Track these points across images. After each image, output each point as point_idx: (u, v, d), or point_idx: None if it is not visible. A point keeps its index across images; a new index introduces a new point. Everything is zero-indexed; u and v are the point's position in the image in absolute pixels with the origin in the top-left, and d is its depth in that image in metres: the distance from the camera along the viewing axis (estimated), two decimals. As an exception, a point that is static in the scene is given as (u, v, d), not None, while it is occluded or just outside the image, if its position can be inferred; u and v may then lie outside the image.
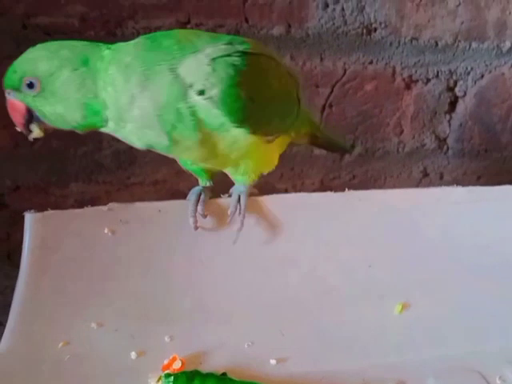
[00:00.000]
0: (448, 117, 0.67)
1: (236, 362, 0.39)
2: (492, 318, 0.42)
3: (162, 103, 0.35)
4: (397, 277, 0.45)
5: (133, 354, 0.38)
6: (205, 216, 0.43)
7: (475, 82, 0.65)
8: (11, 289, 0.64)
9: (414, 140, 0.67)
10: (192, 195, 0.44)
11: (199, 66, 0.36)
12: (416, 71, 0.64)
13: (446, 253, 0.46)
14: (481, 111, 0.66)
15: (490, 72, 0.65)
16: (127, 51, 0.36)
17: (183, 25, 0.58)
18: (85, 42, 0.38)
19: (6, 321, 0.41)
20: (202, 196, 0.44)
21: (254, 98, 0.37)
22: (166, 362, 0.38)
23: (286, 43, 0.60)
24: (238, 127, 0.37)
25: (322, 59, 0.62)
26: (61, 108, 0.37)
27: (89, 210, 0.41)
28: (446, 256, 0.46)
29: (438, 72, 0.64)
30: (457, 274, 0.45)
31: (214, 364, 0.38)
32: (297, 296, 0.43)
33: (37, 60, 0.37)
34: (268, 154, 0.43)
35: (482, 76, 0.65)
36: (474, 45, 0.63)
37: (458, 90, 0.66)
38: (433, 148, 0.68)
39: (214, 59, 0.36)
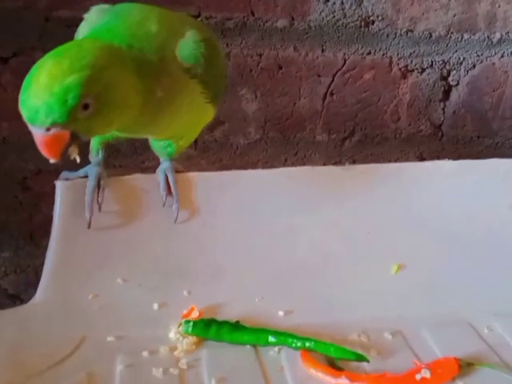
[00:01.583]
0: (442, 105, 0.71)
1: (248, 314, 0.43)
2: (478, 276, 0.47)
3: None
4: (393, 242, 0.49)
5: (155, 306, 0.43)
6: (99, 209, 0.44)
7: (467, 72, 0.70)
8: (33, 267, 0.70)
9: (411, 126, 0.72)
10: (90, 181, 0.44)
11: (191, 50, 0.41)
12: (411, 61, 0.69)
13: (437, 220, 0.50)
14: (473, 99, 0.71)
15: (482, 62, 0.70)
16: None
17: (194, 18, 0.63)
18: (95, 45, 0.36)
19: (28, 298, 0.45)
20: (102, 181, 0.45)
21: (218, 70, 0.45)
22: (185, 312, 0.43)
23: (289, 35, 0.65)
24: (203, 93, 0.42)
25: (323, 50, 0.66)
26: (117, 113, 0.36)
27: (115, 179, 0.46)
28: (438, 223, 0.50)
29: (432, 62, 0.69)
30: (447, 239, 0.50)
31: (227, 315, 0.43)
32: (302, 258, 0.48)
33: (88, 80, 0.33)
34: (199, 129, 0.48)
35: (474, 66, 0.70)
36: (465, 36, 0.68)
37: (451, 80, 0.70)
38: (428, 134, 0.72)
39: (198, 42, 0.41)
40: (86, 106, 0.33)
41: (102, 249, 0.45)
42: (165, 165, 0.47)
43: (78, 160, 0.36)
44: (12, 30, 0.60)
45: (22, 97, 0.33)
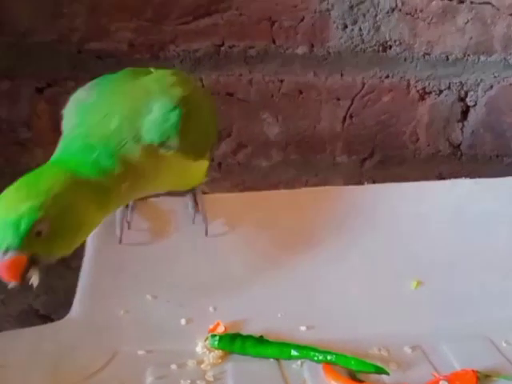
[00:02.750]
0: (460, 125, 0.73)
1: (271, 329, 0.45)
2: (497, 292, 0.48)
3: None
4: (413, 258, 0.51)
5: (182, 321, 0.46)
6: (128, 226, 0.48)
7: (485, 93, 0.72)
8: (63, 288, 0.73)
9: (430, 147, 0.74)
10: None
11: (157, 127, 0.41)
12: (429, 83, 0.71)
13: (456, 237, 0.52)
14: (491, 119, 0.73)
15: (499, 83, 0.72)
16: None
17: (218, 47, 0.66)
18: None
19: (58, 318, 0.47)
20: (131, 203, 0.48)
21: (202, 124, 0.45)
22: (211, 326, 0.45)
23: (309, 61, 0.68)
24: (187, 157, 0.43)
25: (342, 75, 0.69)
26: (75, 232, 0.38)
27: (144, 201, 0.49)
28: (457, 240, 0.52)
29: (449, 84, 0.71)
30: (466, 256, 0.51)
31: (251, 330, 0.45)
32: (324, 275, 0.50)
33: (39, 206, 0.36)
34: (200, 175, 0.50)
35: (491, 86, 0.72)
36: (482, 58, 0.70)
37: (468, 100, 0.72)
38: (447, 154, 0.74)
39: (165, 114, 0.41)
40: (39, 232, 0.36)
41: (132, 267, 0.48)
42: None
43: (35, 284, 0.38)
44: (47, 61, 0.65)
45: None
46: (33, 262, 0.36)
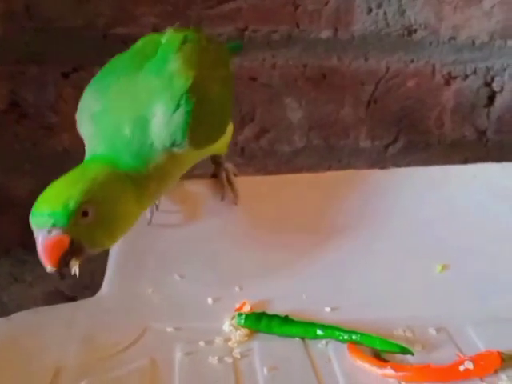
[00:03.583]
0: (486, 110, 0.74)
1: (296, 309, 0.47)
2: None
3: None
4: (438, 242, 0.52)
5: (209, 300, 0.48)
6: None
7: (511, 77, 0.72)
8: (89, 271, 0.75)
9: (455, 132, 0.74)
10: None
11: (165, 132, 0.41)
12: (455, 68, 0.71)
13: (482, 221, 0.53)
14: (518, 104, 0.73)
15: (526, 68, 0.72)
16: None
17: (242, 31, 0.67)
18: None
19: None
20: None
21: (210, 121, 0.44)
22: (237, 306, 0.47)
23: (333, 45, 0.69)
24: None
25: (366, 59, 0.70)
26: (117, 224, 0.40)
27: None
28: (482, 224, 0.53)
29: (475, 69, 0.71)
30: (491, 240, 0.52)
31: (277, 310, 0.46)
32: (348, 258, 0.51)
33: (88, 190, 0.38)
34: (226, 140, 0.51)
35: (518, 72, 0.72)
36: (509, 43, 0.70)
37: (495, 86, 0.72)
38: (473, 140, 0.74)
39: (169, 117, 0.41)
40: (86, 213, 0.37)
41: (160, 248, 0.50)
42: (225, 166, 0.53)
43: (77, 273, 0.38)
44: (72, 47, 0.66)
45: (32, 211, 0.38)
46: (75, 249, 0.38)
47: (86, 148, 0.44)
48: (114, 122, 0.42)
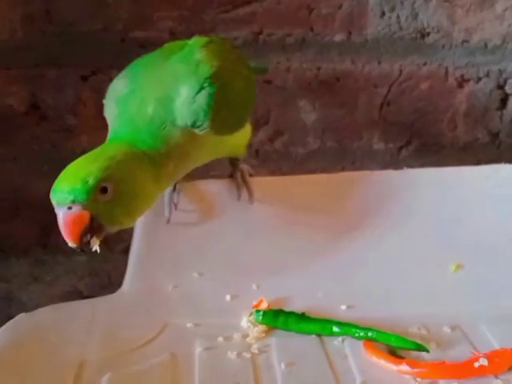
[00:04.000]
0: (499, 113, 0.74)
1: (312, 307, 0.48)
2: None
3: None
4: (452, 242, 0.53)
5: (227, 297, 0.49)
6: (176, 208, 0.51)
7: (524, 80, 0.73)
8: (106, 271, 0.77)
9: (468, 135, 0.75)
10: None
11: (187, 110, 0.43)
12: (467, 71, 0.72)
13: (495, 221, 0.53)
14: (530, 107, 0.74)
15: (539, 70, 0.72)
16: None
17: (256, 35, 0.69)
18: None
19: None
20: (178, 185, 0.52)
21: (238, 97, 0.46)
22: (254, 302, 0.48)
23: (347, 48, 0.70)
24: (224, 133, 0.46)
25: (379, 62, 0.71)
26: (135, 203, 0.41)
27: (190, 183, 0.52)
28: (495, 225, 0.53)
29: (488, 71, 0.72)
30: (505, 240, 0.53)
31: (293, 308, 0.47)
32: (363, 257, 0.52)
33: (107, 167, 0.39)
34: (244, 141, 0.53)
35: (531, 74, 0.73)
36: (521, 46, 0.71)
37: (507, 88, 0.73)
38: (485, 142, 0.75)
39: (192, 97, 0.43)
40: (105, 190, 0.39)
41: (179, 246, 0.51)
42: (241, 166, 0.54)
43: (98, 249, 0.40)
44: (91, 50, 0.68)
45: (53, 187, 0.39)
46: (95, 225, 0.39)
47: (109, 130, 0.45)
48: (137, 102, 0.43)
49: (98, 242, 0.39)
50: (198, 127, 0.43)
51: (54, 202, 0.39)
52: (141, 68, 0.47)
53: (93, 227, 0.39)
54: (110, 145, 0.43)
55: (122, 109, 0.45)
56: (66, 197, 0.38)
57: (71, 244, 0.39)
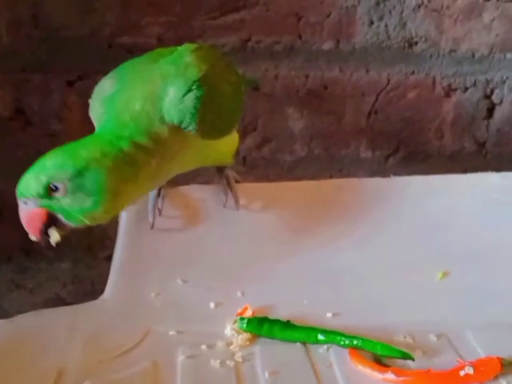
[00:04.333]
0: (486, 122, 0.75)
1: (297, 315, 0.47)
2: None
3: None
4: (438, 250, 0.53)
5: (211, 304, 0.48)
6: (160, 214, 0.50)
7: (511, 90, 0.73)
8: (90, 278, 0.76)
9: (454, 144, 0.75)
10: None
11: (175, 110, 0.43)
12: (455, 80, 0.72)
13: (481, 229, 0.53)
14: (517, 117, 0.74)
15: (525, 81, 0.73)
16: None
17: (245, 42, 0.69)
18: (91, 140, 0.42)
19: None
20: (162, 191, 0.51)
21: (224, 102, 0.46)
22: (239, 310, 0.47)
23: (335, 57, 0.70)
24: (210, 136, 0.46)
25: (367, 70, 0.71)
26: (97, 202, 0.40)
27: (174, 189, 0.52)
28: (482, 233, 0.53)
29: (475, 81, 0.72)
30: (491, 248, 0.52)
31: (278, 315, 0.47)
32: (350, 264, 0.52)
33: (61, 165, 0.39)
34: (231, 149, 0.53)
35: (517, 84, 0.73)
36: (508, 56, 0.72)
37: (494, 98, 0.74)
38: (472, 151, 0.75)
39: (180, 98, 0.43)
40: (56, 188, 0.39)
41: (163, 252, 0.50)
42: (227, 172, 0.53)
43: (54, 242, 0.40)
44: (78, 55, 0.67)
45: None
46: (55, 221, 0.40)
47: (96, 128, 0.45)
48: (124, 100, 0.43)
49: (58, 236, 0.40)
50: (185, 128, 0.43)
51: (17, 195, 0.40)
52: (128, 70, 0.47)
53: (53, 222, 0.39)
54: (87, 139, 0.42)
55: (108, 107, 0.44)
56: (22, 192, 0.39)
57: (32, 238, 0.40)
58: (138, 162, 0.42)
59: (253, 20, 0.68)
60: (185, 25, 0.67)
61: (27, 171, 0.40)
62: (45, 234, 0.40)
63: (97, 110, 0.46)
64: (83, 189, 0.39)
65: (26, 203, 0.39)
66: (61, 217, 0.40)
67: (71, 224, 0.40)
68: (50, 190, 0.39)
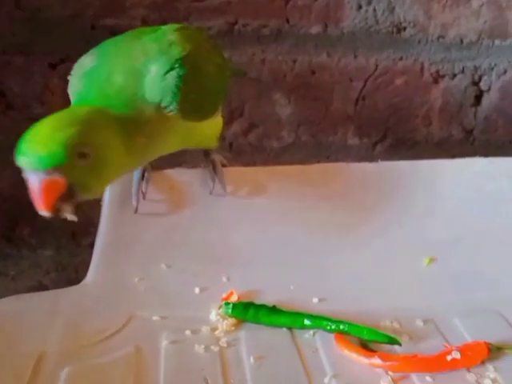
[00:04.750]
0: (474, 109, 0.74)
1: (283, 300, 0.47)
2: (506, 268, 0.50)
3: None
4: (425, 236, 0.53)
5: (196, 290, 0.48)
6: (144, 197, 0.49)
7: (499, 77, 0.73)
8: (73, 266, 0.74)
9: (442, 131, 0.75)
10: (136, 173, 0.49)
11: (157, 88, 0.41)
12: (443, 67, 0.72)
13: (468, 215, 0.53)
14: (504, 104, 0.74)
15: (513, 67, 0.73)
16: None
17: (231, 25, 0.68)
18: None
19: None
20: (146, 174, 0.50)
21: (208, 81, 0.45)
22: (224, 295, 0.47)
23: (322, 41, 0.69)
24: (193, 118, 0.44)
25: (355, 56, 0.70)
26: (110, 170, 0.39)
27: (159, 172, 0.51)
28: (468, 218, 0.53)
29: (463, 67, 0.72)
30: (477, 233, 0.52)
31: (264, 300, 0.46)
32: (336, 249, 0.51)
33: (86, 132, 0.37)
34: (216, 132, 0.52)
35: (505, 71, 0.73)
36: (496, 42, 0.71)
37: (482, 85, 0.73)
38: (460, 139, 0.75)
39: (162, 76, 0.41)
40: (83, 155, 0.36)
41: (147, 237, 0.49)
42: (213, 156, 0.52)
43: (72, 218, 0.38)
44: (60, 37, 0.66)
45: (21, 149, 0.36)
46: (69, 193, 0.36)
47: (72, 104, 0.43)
48: (105, 74, 0.42)
49: (70, 210, 0.37)
50: (166, 107, 0.42)
51: (25, 166, 0.35)
52: (110, 46, 0.46)
53: (66, 194, 0.36)
54: (80, 108, 0.40)
55: (88, 81, 0.43)
56: (43, 162, 0.35)
57: (44, 212, 0.36)
58: (131, 133, 0.40)
59: (239, 2, 0.66)
60: (170, 6, 0.66)
61: (37, 140, 0.36)
62: (58, 207, 0.36)
63: (75, 86, 0.44)
64: (103, 157, 0.38)
65: (47, 174, 0.35)
66: (77, 188, 0.37)
67: (81, 196, 0.38)
68: (77, 158, 0.36)
